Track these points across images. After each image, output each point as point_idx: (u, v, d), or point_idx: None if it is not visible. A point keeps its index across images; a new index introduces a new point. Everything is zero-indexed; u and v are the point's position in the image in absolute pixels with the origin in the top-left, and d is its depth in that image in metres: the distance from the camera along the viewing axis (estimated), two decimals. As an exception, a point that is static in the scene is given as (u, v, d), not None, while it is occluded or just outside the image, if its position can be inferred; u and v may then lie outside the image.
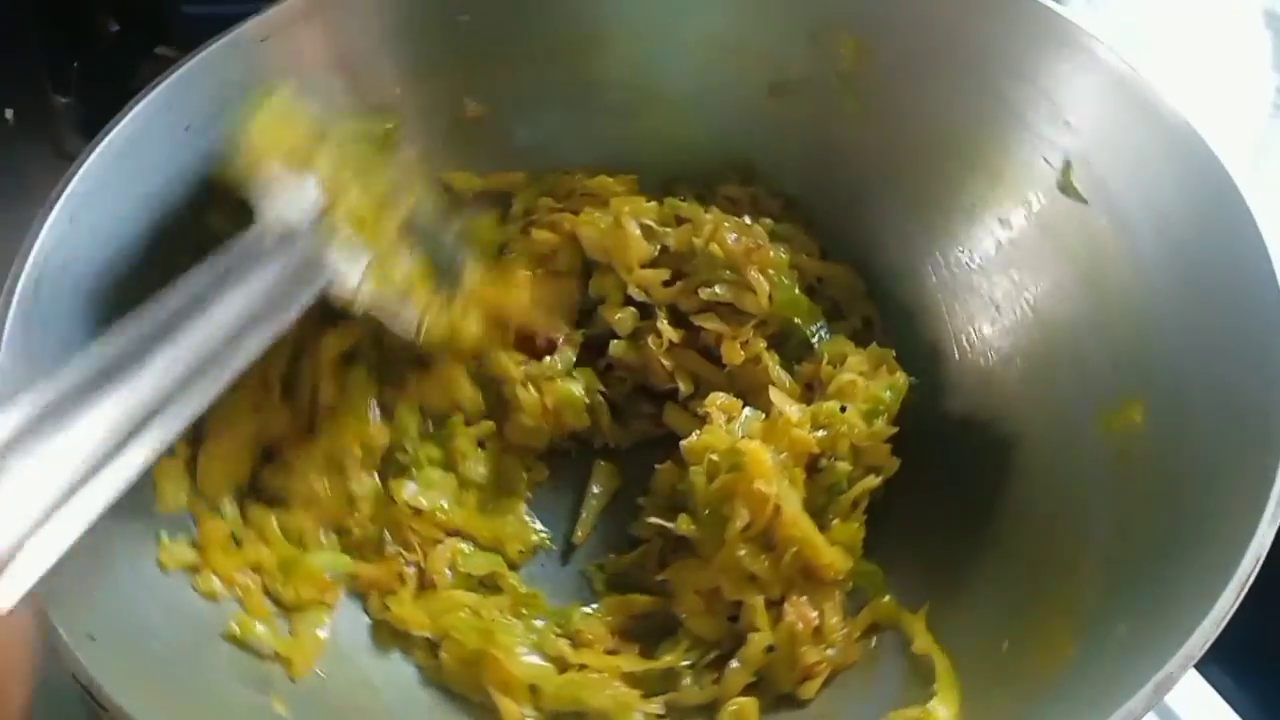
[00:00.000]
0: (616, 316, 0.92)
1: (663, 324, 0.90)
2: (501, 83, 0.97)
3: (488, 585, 0.85)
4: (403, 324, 0.80)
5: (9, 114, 1.14)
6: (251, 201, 0.72)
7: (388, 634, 0.82)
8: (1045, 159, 0.86)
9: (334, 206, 0.74)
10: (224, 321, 0.65)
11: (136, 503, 0.75)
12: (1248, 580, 0.60)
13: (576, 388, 0.90)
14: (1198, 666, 0.60)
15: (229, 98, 0.84)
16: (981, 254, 0.92)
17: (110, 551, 0.71)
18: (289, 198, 0.72)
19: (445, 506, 0.86)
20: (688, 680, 0.78)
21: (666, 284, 0.92)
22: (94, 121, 0.80)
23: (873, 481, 0.81)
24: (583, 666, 0.78)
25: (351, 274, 0.74)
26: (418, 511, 0.85)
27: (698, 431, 0.82)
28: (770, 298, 0.89)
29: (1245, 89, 1.18)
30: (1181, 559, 0.66)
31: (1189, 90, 0.77)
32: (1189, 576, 0.64)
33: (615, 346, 0.92)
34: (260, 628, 0.75)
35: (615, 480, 0.92)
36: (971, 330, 0.93)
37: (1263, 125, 1.16)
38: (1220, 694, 0.85)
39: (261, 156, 0.73)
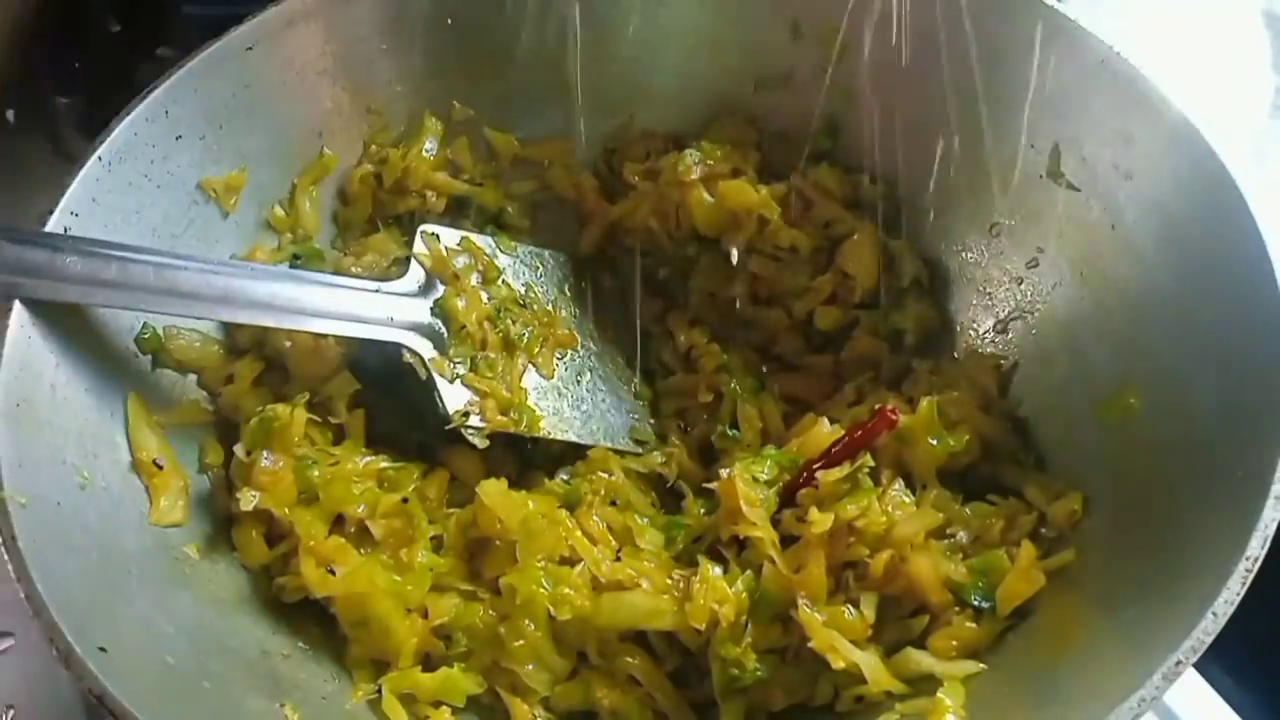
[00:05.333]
0: None
1: None
2: (487, 86, 0.97)
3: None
4: (450, 399, 0.85)
5: (10, 114, 1.14)
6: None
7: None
8: (1034, 147, 0.86)
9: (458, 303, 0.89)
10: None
11: (148, 521, 0.76)
12: (1255, 564, 0.61)
13: None
14: (1197, 666, 0.60)
15: (217, 107, 0.85)
16: (975, 244, 0.93)
17: (123, 566, 0.71)
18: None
19: None
20: None
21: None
22: (95, 122, 0.80)
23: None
24: None
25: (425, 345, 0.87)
26: None
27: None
28: None
29: (1245, 89, 1.18)
30: (1187, 544, 0.67)
31: (1189, 91, 0.78)
32: (1195, 561, 0.64)
33: None
34: None
35: None
36: (968, 320, 0.94)
37: (1262, 125, 1.17)
38: (1220, 694, 0.86)
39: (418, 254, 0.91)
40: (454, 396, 0.86)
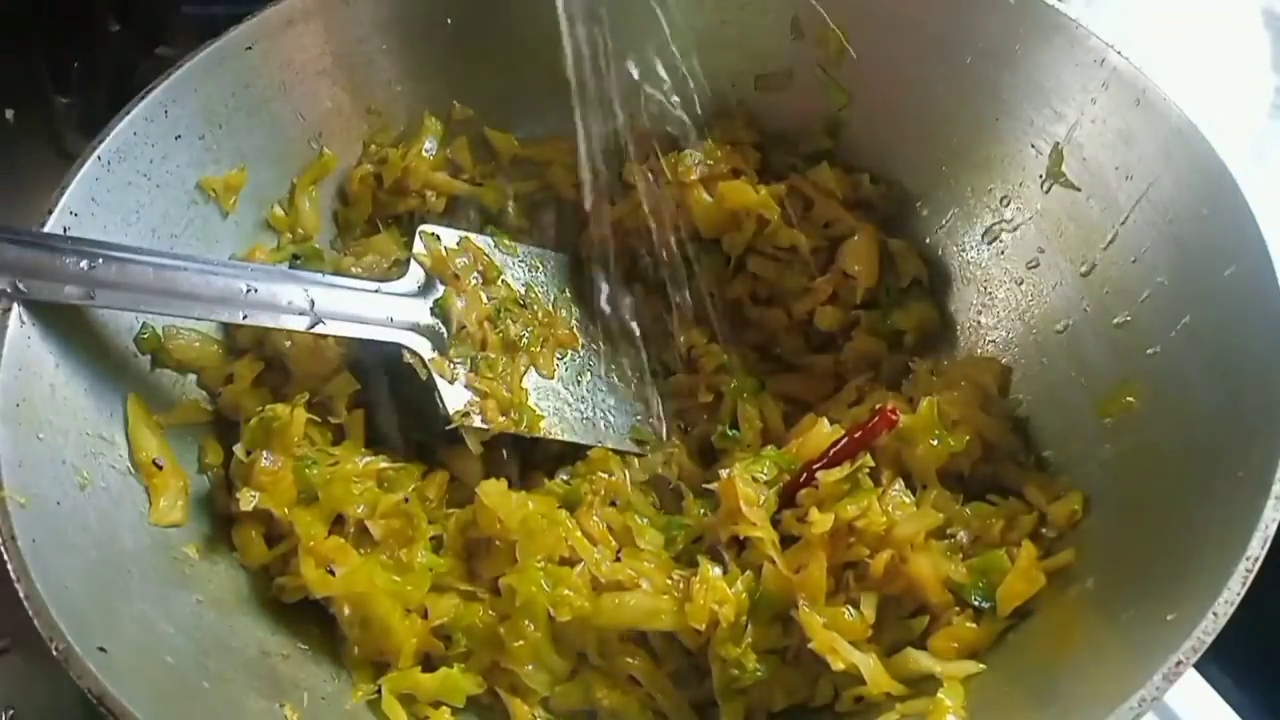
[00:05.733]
0: None
1: None
2: (487, 86, 0.97)
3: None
4: (451, 399, 0.85)
5: (9, 114, 1.14)
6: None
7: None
8: (1034, 147, 0.86)
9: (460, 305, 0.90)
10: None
11: (147, 521, 0.76)
12: (1256, 564, 0.61)
13: None
14: (1197, 666, 0.60)
15: (217, 106, 0.85)
16: (975, 244, 0.93)
17: (123, 566, 0.71)
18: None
19: None
20: None
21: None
22: (94, 121, 0.80)
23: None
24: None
25: (423, 345, 0.87)
26: None
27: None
28: None
29: (1245, 89, 1.19)
30: (1187, 544, 0.67)
31: (1189, 90, 0.78)
32: (1195, 561, 0.64)
33: None
34: None
35: None
36: (968, 320, 0.94)
37: (1262, 125, 1.17)
38: (1220, 694, 0.86)
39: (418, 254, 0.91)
40: (454, 396, 0.86)
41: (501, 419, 0.88)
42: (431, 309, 0.88)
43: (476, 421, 0.86)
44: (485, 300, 0.91)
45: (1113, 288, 0.81)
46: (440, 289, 0.89)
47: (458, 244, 0.93)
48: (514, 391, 0.89)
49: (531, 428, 0.89)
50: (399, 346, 0.86)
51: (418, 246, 0.90)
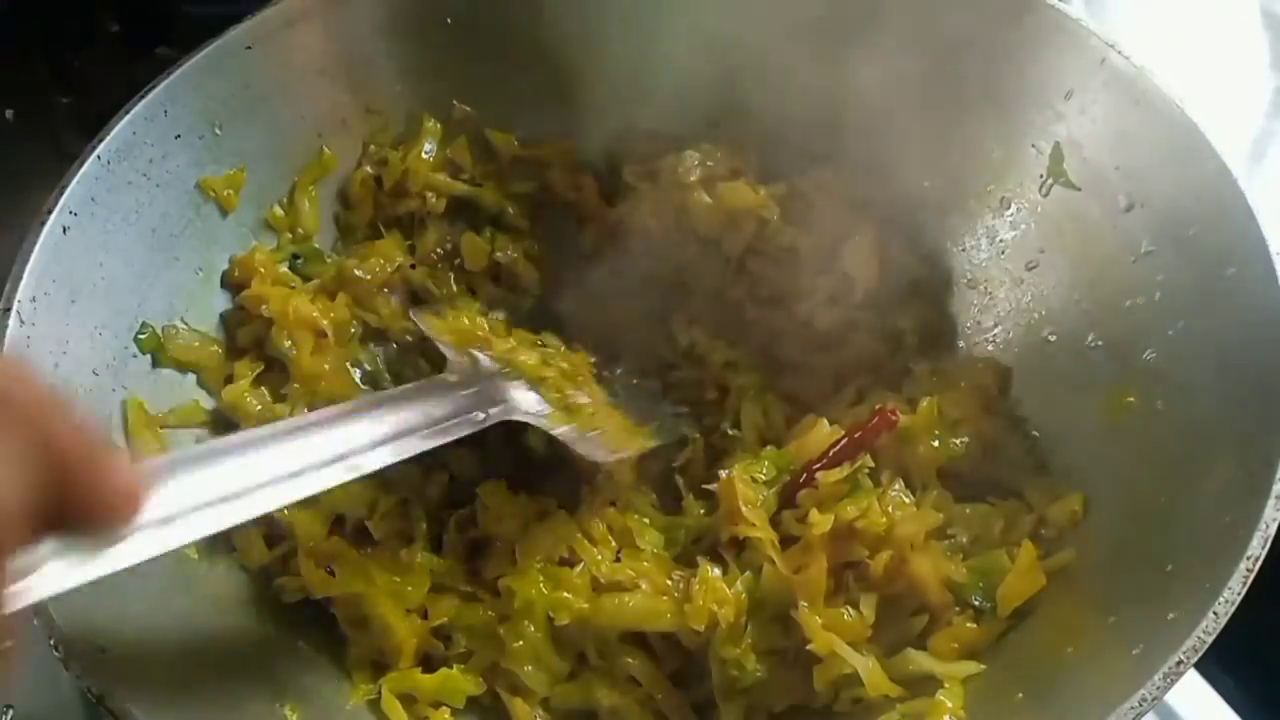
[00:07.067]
0: None
1: None
2: (487, 86, 0.97)
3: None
4: (588, 450, 0.83)
5: (9, 114, 1.14)
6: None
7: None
8: (1034, 147, 0.86)
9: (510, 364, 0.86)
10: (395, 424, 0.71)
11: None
12: (1256, 564, 0.61)
13: None
14: (1198, 666, 0.60)
15: (217, 106, 0.85)
16: (975, 244, 0.93)
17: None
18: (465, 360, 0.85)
19: None
20: None
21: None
22: (94, 121, 0.80)
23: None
24: None
25: (528, 402, 0.83)
26: None
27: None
28: None
29: (1244, 89, 1.19)
30: (1187, 544, 0.67)
31: (1189, 91, 0.78)
32: (1195, 561, 0.64)
33: None
34: None
35: None
36: (968, 320, 0.94)
37: (1261, 125, 1.17)
38: (1220, 694, 0.86)
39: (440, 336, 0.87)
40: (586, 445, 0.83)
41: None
42: (502, 374, 0.84)
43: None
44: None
45: (1112, 288, 0.81)
46: (484, 360, 0.85)
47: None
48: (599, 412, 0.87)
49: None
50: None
51: (429, 330, 0.87)
